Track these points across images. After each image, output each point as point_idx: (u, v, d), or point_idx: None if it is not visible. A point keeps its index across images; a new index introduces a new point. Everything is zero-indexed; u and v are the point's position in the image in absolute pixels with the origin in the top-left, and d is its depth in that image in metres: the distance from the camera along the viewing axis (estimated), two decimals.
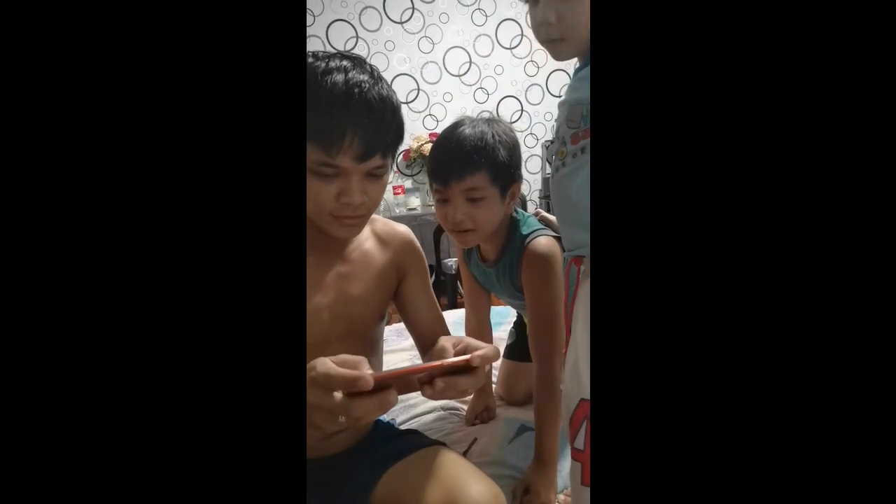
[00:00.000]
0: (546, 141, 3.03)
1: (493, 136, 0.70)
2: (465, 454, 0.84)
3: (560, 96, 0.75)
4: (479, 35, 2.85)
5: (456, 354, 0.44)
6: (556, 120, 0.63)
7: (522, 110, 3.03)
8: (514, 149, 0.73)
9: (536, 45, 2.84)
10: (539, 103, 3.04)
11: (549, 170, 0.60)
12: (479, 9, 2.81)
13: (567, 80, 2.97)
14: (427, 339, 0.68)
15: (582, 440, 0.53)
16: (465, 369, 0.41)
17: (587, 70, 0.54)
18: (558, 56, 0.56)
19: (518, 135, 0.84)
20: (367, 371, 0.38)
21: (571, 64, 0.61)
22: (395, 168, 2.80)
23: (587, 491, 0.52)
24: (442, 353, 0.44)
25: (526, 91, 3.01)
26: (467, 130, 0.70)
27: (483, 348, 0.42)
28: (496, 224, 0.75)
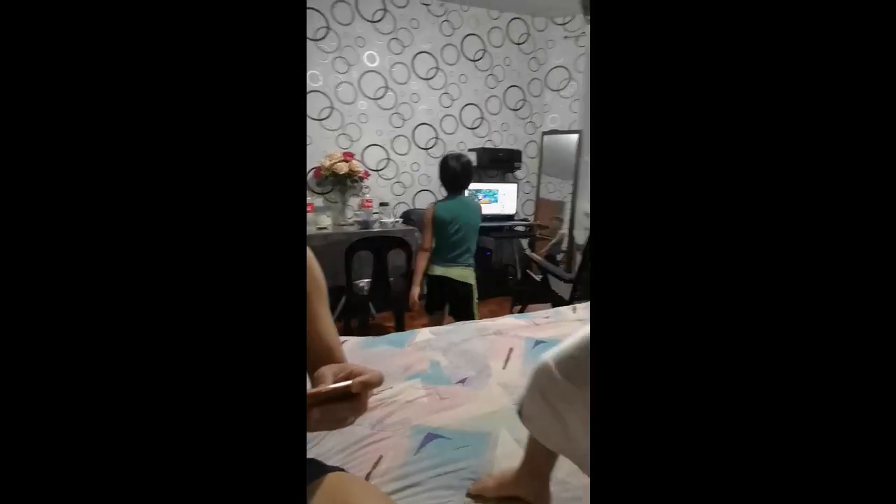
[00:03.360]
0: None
1: None
2: (368, 476, 0.80)
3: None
4: (395, 63, 2.93)
5: (336, 382, 0.42)
6: None
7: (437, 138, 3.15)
8: None
9: (451, 78, 3.05)
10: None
11: None
12: (395, 38, 2.90)
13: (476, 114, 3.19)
14: (316, 365, 0.66)
15: None
16: (345, 396, 0.40)
17: None
18: None
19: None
20: None
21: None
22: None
23: None
24: (320, 380, 0.43)
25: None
26: None
27: (366, 374, 0.41)
28: None
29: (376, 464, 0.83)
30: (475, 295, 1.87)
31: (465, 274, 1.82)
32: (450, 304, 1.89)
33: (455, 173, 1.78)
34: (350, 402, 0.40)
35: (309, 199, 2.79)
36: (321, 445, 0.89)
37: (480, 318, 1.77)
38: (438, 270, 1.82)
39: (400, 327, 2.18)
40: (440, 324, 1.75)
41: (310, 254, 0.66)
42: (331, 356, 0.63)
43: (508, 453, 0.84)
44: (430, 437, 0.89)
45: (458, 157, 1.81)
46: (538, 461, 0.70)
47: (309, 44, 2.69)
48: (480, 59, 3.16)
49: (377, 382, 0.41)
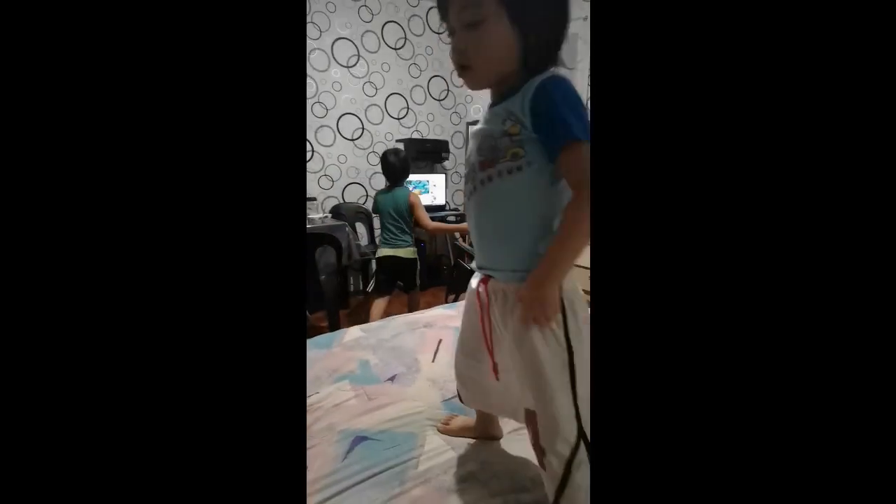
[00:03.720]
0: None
1: None
2: None
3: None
4: (314, 49, 2.79)
5: None
6: (468, 146, 0.71)
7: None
8: None
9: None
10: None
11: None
12: (312, 22, 2.75)
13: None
14: None
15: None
16: None
17: (498, 108, 0.58)
18: (470, 83, 0.59)
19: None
20: None
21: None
22: None
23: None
24: None
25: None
26: None
27: None
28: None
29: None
30: (419, 267, 2.23)
31: (408, 252, 2.12)
32: (401, 279, 2.18)
33: (394, 167, 2.02)
34: None
35: None
36: None
37: (411, 311, 1.83)
38: (387, 251, 2.10)
39: (334, 327, 2.13)
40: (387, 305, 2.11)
41: None
42: None
43: (436, 448, 0.88)
44: (358, 439, 0.90)
45: (397, 151, 2.03)
46: (482, 415, 0.88)
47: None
48: (402, 47, 3.11)
49: None
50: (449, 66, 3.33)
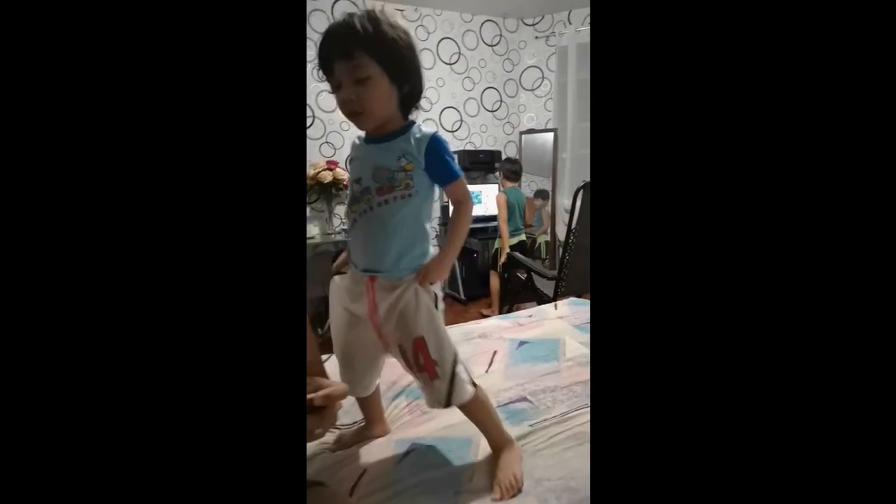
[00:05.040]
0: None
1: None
2: (353, 489, 0.82)
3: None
4: None
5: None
6: (352, 164, 0.86)
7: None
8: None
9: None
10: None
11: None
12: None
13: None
14: None
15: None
16: (311, 409, 0.41)
17: (390, 144, 0.79)
18: (361, 125, 0.80)
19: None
20: None
21: None
22: None
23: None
24: None
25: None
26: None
27: (329, 387, 0.42)
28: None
29: (360, 476, 0.85)
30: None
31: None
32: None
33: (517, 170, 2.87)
34: (315, 414, 0.41)
35: None
36: (311, 462, 0.91)
37: (466, 321, 1.82)
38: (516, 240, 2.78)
39: None
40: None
41: None
42: (313, 365, 0.65)
43: (489, 457, 0.87)
44: (413, 447, 0.91)
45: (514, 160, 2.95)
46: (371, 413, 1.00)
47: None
48: (456, 62, 3.19)
49: (341, 395, 0.42)
50: (502, 76, 3.36)
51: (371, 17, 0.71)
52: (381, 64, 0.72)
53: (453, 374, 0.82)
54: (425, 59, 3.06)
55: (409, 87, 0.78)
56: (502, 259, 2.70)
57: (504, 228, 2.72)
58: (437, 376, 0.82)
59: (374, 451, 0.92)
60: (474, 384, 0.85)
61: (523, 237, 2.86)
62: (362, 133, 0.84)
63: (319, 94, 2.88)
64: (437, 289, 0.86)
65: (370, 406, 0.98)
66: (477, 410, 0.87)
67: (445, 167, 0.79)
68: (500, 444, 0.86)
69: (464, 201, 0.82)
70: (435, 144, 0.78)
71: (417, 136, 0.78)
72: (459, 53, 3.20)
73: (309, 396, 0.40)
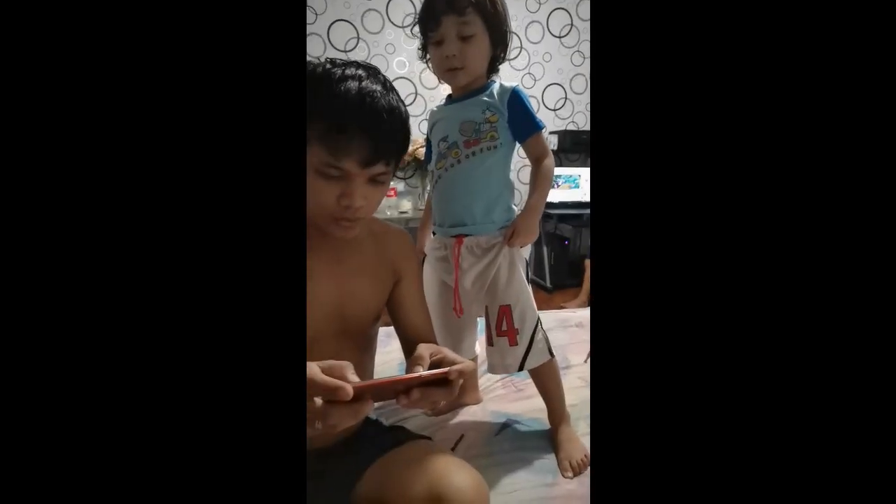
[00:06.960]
0: None
1: None
2: (452, 450, 0.86)
3: None
4: None
5: (432, 365, 0.46)
6: (435, 126, 0.88)
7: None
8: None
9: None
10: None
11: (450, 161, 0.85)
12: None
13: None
14: (412, 344, 0.67)
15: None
16: (440, 381, 0.43)
17: (475, 100, 0.82)
18: (455, 82, 0.83)
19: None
20: (351, 377, 0.40)
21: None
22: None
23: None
24: (418, 361, 0.47)
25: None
26: None
27: (460, 363, 0.44)
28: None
29: (458, 441, 0.89)
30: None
31: None
32: None
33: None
34: (444, 387, 0.43)
35: (392, 184, 2.92)
36: (407, 423, 0.98)
37: (550, 308, 1.80)
38: None
39: None
40: None
41: (409, 236, 0.72)
42: (418, 334, 0.68)
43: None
44: (509, 422, 0.93)
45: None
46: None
47: (398, 30, 2.77)
48: (567, 34, 3.01)
49: (470, 371, 0.44)
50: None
51: None
52: (486, 24, 0.76)
53: (532, 340, 0.84)
54: (534, 33, 2.95)
55: (500, 50, 0.82)
56: None
57: None
58: (516, 344, 0.83)
59: (468, 419, 0.96)
60: (551, 353, 0.87)
61: None
62: (441, 102, 0.89)
63: (423, 72, 2.94)
64: (526, 253, 0.88)
65: None
66: (548, 378, 0.88)
67: (527, 118, 0.81)
68: (560, 417, 0.88)
69: (544, 156, 0.83)
70: (517, 96, 0.81)
71: (499, 90, 0.82)
72: (571, 25, 2.99)
73: (443, 371, 0.42)
